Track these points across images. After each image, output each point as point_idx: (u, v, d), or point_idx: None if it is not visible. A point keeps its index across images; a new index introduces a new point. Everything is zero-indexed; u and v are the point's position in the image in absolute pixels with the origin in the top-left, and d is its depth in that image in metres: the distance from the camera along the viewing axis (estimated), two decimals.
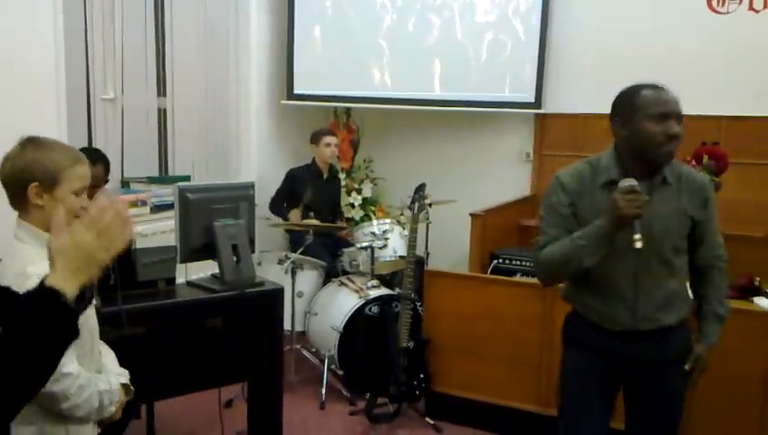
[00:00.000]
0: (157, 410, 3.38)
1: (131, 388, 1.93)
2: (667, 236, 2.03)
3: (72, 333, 1.14)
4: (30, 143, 1.68)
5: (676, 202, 2.04)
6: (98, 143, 4.10)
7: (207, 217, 2.84)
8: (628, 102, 1.99)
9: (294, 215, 4.64)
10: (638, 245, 1.87)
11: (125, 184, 4.29)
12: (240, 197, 2.99)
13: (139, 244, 4.02)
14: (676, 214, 2.05)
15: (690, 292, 2.20)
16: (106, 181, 3.35)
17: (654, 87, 1.99)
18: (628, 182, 1.91)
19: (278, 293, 2.97)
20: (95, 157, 2.94)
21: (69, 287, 1.10)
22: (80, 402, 1.67)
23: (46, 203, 1.66)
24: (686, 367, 2.12)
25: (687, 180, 2.07)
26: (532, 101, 5.10)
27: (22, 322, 1.09)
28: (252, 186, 3.09)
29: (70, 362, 1.63)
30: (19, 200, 1.68)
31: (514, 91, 5.16)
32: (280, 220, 4.59)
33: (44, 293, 1.09)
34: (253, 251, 3.01)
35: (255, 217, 3.09)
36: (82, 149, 2.98)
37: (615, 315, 2.07)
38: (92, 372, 1.78)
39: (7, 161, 1.68)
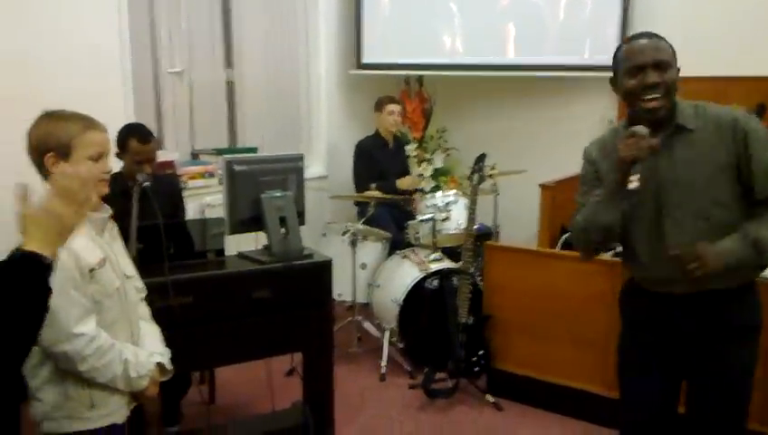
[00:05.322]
0: (219, 377, 3.46)
1: (168, 368, 1.95)
2: (698, 187, 1.86)
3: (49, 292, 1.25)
4: (44, 116, 1.74)
5: (703, 149, 1.86)
6: (166, 117, 4.20)
7: (255, 189, 2.83)
8: (614, 63, 1.95)
9: (404, 182, 4.58)
10: (632, 185, 1.83)
11: (194, 156, 4.39)
12: (288, 169, 2.95)
13: (208, 214, 4.14)
14: (706, 162, 1.86)
15: None
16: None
17: (631, 38, 1.94)
18: (634, 128, 1.83)
19: (326, 265, 2.92)
20: (147, 134, 2.99)
21: (47, 252, 1.22)
22: (99, 366, 1.71)
23: None
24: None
25: (715, 122, 1.88)
26: None
27: (9, 284, 1.20)
28: (301, 158, 3.04)
29: (83, 324, 1.67)
30: (42, 171, 1.73)
31: (595, 54, 4.84)
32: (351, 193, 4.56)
33: (26, 258, 1.21)
34: (302, 223, 2.97)
35: (305, 188, 3.03)
36: (134, 126, 3.07)
37: (655, 278, 1.96)
38: (123, 342, 1.81)
39: (28, 136, 1.74)
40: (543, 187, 3.95)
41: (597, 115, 5.02)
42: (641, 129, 1.82)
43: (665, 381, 2.04)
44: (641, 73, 1.85)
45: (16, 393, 1.78)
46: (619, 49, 1.96)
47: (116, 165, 2.99)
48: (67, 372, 1.71)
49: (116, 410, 1.80)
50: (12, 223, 1.28)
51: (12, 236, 1.38)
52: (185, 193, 3.41)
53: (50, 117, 1.72)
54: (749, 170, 1.85)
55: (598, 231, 1.95)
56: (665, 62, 1.86)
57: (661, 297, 1.96)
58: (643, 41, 1.89)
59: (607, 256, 3.46)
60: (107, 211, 1.81)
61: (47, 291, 1.23)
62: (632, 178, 1.83)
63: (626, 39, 1.99)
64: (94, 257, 1.70)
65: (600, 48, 4.79)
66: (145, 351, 1.86)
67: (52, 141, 1.67)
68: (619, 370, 2.15)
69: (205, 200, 4.16)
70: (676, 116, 1.89)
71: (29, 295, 1.21)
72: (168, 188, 3.21)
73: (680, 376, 2.04)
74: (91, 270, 1.69)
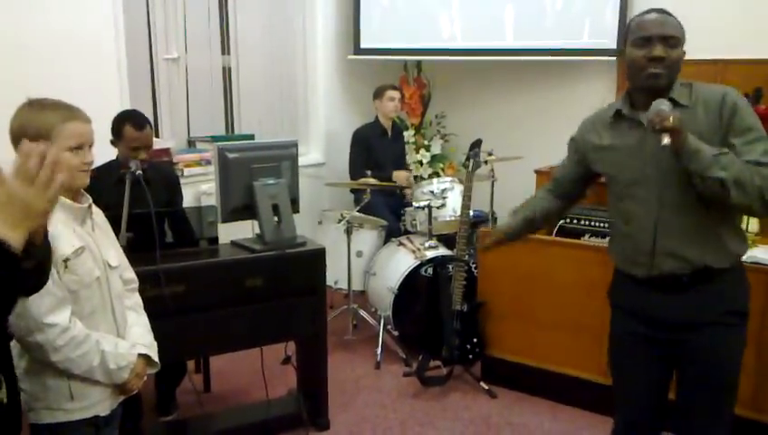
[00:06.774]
0: (214, 366, 3.47)
1: (154, 360, 1.92)
2: None
3: (16, 280, 1.18)
4: (26, 104, 1.71)
5: (694, 126, 1.85)
6: (162, 103, 4.18)
7: (248, 176, 2.82)
8: (624, 35, 1.97)
9: (400, 176, 4.56)
10: (666, 141, 1.74)
11: (190, 143, 4.37)
12: (282, 156, 2.93)
13: (204, 202, 4.13)
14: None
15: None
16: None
17: (643, 13, 1.93)
18: (661, 103, 1.80)
19: (319, 253, 2.92)
20: (143, 120, 2.96)
21: (12, 237, 1.13)
22: (73, 357, 1.68)
23: None
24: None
25: (705, 100, 1.89)
26: (614, 47, 4.71)
27: None
28: (294, 144, 3.02)
29: (56, 314, 1.64)
30: None
31: (594, 37, 4.77)
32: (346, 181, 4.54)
33: None
34: (296, 211, 2.97)
35: (299, 175, 3.02)
36: (129, 112, 3.05)
37: (635, 255, 1.97)
38: (105, 333, 1.78)
39: (10, 123, 1.72)
40: (539, 172, 3.93)
41: (596, 99, 4.95)
42: (664, 102, 1.79)
43: (656, 368, 2.04)
44: (648, 46, 1.86)
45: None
46: (631, 22, 1.97)
47: (112, 153, 2.99)
48: (46, 363, 1.69)
49: (98, 402, 1.77)
50: None
51: None
52: (181, 181, 3.39)
53: (31, 105, 1.70)
54: (728, 142, 1.84)
55: None
56: (673, 38, 1.86)
57: (647, 282, 1.96)
58: (653, 15, 1.89)
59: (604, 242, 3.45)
60: (87, 200, 1.78)
61: (10, 276, 1.15)
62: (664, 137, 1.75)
63: (639, 14, 1.98)
64: (69, 247, 1.67)
65: (599, 32, 4.74)
66: (127, 342, 1.83)
67: (31, 130, 1.64)
68: (611, 359, 2.16)
69: (201, 188, 4.15)
70: (672, 90, 1.90)
71: None
72: (165, 177, 3.18)
73: (671, 363, 2.04)
74: (66, 260, 1.66)
